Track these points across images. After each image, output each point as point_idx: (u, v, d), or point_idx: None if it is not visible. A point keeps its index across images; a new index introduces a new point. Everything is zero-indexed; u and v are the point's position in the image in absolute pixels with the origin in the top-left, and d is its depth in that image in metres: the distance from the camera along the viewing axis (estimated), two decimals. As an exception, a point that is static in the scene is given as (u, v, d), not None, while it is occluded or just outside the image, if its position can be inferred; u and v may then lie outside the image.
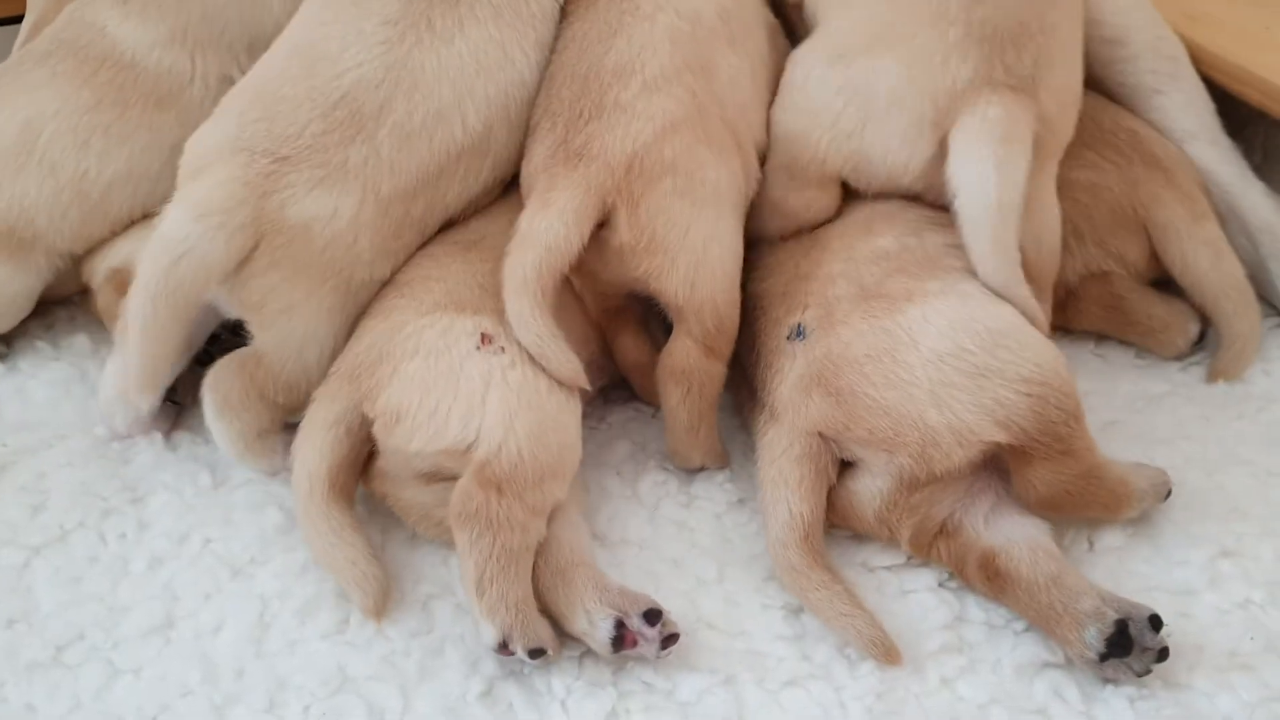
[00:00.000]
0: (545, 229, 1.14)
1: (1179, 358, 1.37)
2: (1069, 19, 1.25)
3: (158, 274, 1.15)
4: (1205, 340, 1.39)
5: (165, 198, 1.32)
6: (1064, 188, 1.32)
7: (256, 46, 1.37)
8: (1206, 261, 1.34)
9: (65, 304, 1.48)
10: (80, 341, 1.43)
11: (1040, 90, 1.19)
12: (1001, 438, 1.07)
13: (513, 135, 1.26)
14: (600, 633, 1.05)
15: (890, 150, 1.21)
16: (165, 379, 1.23)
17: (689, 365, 1.19)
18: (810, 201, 1.27)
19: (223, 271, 1.15)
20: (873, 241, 1.20)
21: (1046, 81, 1.19)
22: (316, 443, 1.13)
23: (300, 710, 1.05)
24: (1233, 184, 1.41)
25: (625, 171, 1.16)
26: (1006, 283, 1.13)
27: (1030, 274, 1.21)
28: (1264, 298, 1.43)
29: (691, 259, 1.16)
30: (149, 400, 1.23)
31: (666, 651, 1.06)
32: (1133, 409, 1.33)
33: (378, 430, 1.11)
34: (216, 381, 1.21)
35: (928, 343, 1.09)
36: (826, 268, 1.20)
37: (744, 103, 1.26)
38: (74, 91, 1.38)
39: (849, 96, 1.22)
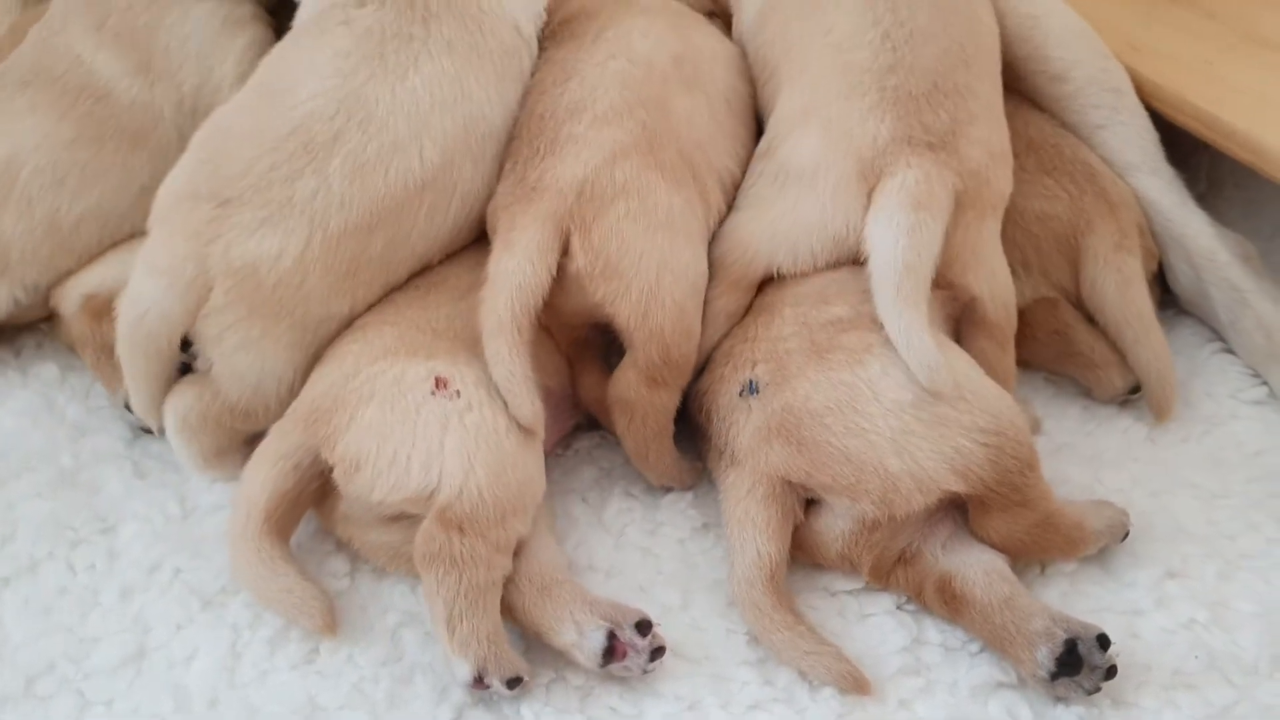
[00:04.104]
0: (513, 270, 1.16)
1: (1114, 399, 1.39)
2: (983, 80, 1.29)
3: (128, 328, 1.22)
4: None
5: (131, 234, 1.39)
6: (1019, 217, 1.36)
7: (203, 91, 1.40)
8: (1112, 287, 1.36)
9: (33, 331, 1.47)
10: (49, 370, 1.43)
11: (962, 143, 1.22)
12: (960, 487, 1.11)
13: (479, 170, 1.27)
14: (591, 643, 1.07)
15: (827, 212, 1.22)
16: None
17: (630, 396, 1.21)
18: (729, 306, 1.27)
19: (185, 321, 1.20)
20: (828, 310, 1.21)
21: (968, 134, 1.23)
22: (260, 475, 1.15)
23: (273, 740, 1.07)
24: (1174, 213, 1.45)
25: (576, 196, 1.19)
26: (909, 341, 1.13)
27: (988, 328, 1.25)
28: (1207, 323, 1.48)
29: (644, 285, 1.18)
30: (156, 420, 1.28)
31: (654, 664, 1.08)
32: (1083, 431, 1.37)
33: (338, 477, 1.13)
34: (177, 402, 1.25)
35: (889, 394, 1.13)
36: (777, 330, 1.22)
37: (701, 139, 1.29)
38: (54, 125, 1.39)
39: (774, 179, 1.26)
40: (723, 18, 1.46)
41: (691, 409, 1.28)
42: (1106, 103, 1.48)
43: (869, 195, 1.21)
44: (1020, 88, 1.47)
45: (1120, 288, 1.36)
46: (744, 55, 1.42)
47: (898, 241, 1.16)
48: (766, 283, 1.28)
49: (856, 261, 1.23)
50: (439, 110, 1.24)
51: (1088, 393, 1.41)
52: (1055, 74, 1.48)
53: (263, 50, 1.40)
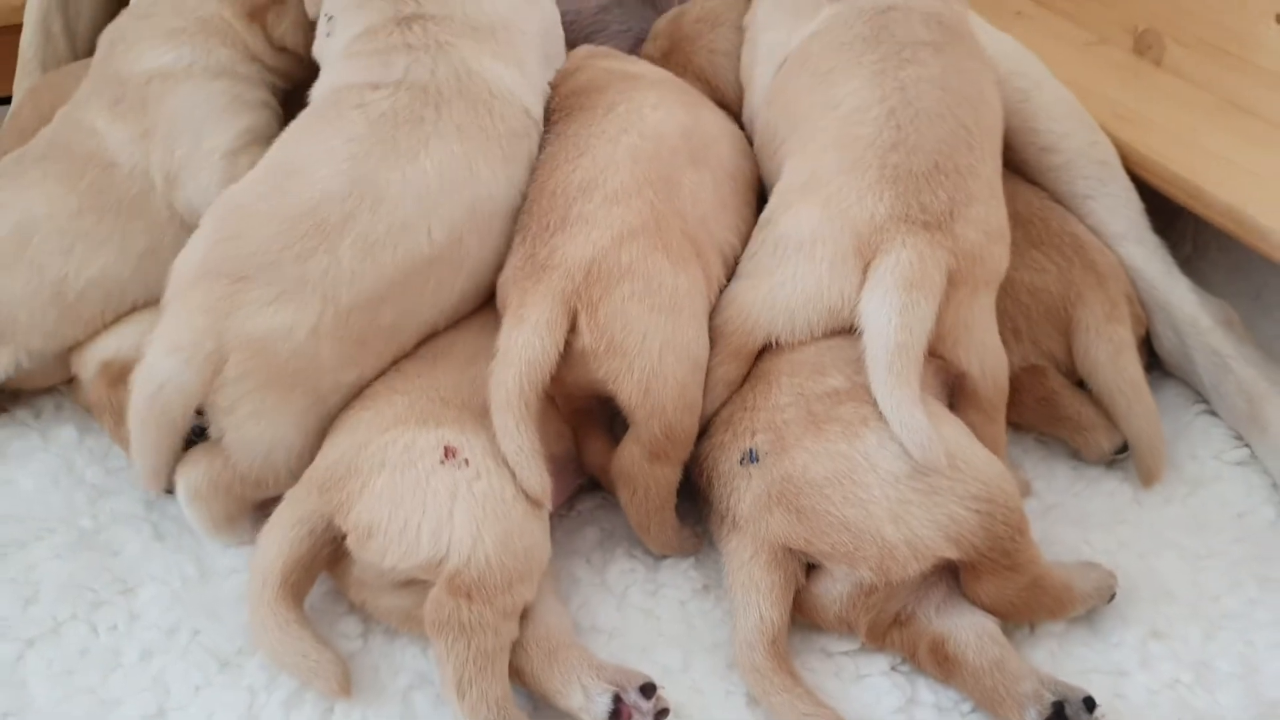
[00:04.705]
0: (523, 345, 1.21)
1: (1101, 460, 1.44)
2: (985, 161, 1.33)
3: (143, 402, 1.25)
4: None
5: (133, 303, 1.45)
6: (1010, 287, 1.40)
7: (191, 158, 1.45)
8: (1105, 356, 1.41)
9: (52, 393, 1.52)
10: (67, 432, 1.47)
11: (958, 224, 1.26)
12: (953, 553, 1.15)
13: (484, 245, 1.31)
14: (598, 707, 1.11)
15: (824, 283, 1.26)
16: (169, 474, 1.31)
17: (633, 470, 1.25)
18: (728, 375, 1.31)
19: (200, 394, 1.24)
20: (824, 382, 1.25)
21: (965, 214, 1.27)
22: (276, 541, 1.19)
23: (289, 800, 1.10)
24: (1159, 281, 1.51)
25: (584, 276, 1.23)
26: (901, 418, 1.17)
27: (977, 401, 1.29)
28: (1191, 385, 1.53)
29: (646, 364, 1.22)
30: (158, 489, 1.32)
31: None
32: (1071, 493, 1.41)
33: (351, 544, 1.17)
34: (187, 470, 1.29)
35: (885, 465, 1.17)
36: (774, 399, 1.26)
37: (705, 214, 1.34)
38: (62, 195, 1.43)
39: (775, 249, 1.30)
40: (720, 106, 1.51)
41: (693, 473, 1.32)
42: (1095, 174, 1.53)
43: (864, 270, 1.25)
44: (1011, 159, 1.51)
45: (1112, 357, 1.41)
46: (744, 136, 1.47)
47: (890, 320, 1.20)
48: (764, 350, 1.32)
49: (851, 331, 1.26)
50: (447, 191, 1.28)
51: (1077, 454, 1.45)
52: (1046, 146, 1.54)
53: (260, 138, 1.46)
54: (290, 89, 1.57)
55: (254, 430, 1.25)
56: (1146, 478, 1.40)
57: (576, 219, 1.27)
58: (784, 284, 1.29)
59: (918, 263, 1.23)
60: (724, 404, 1.31)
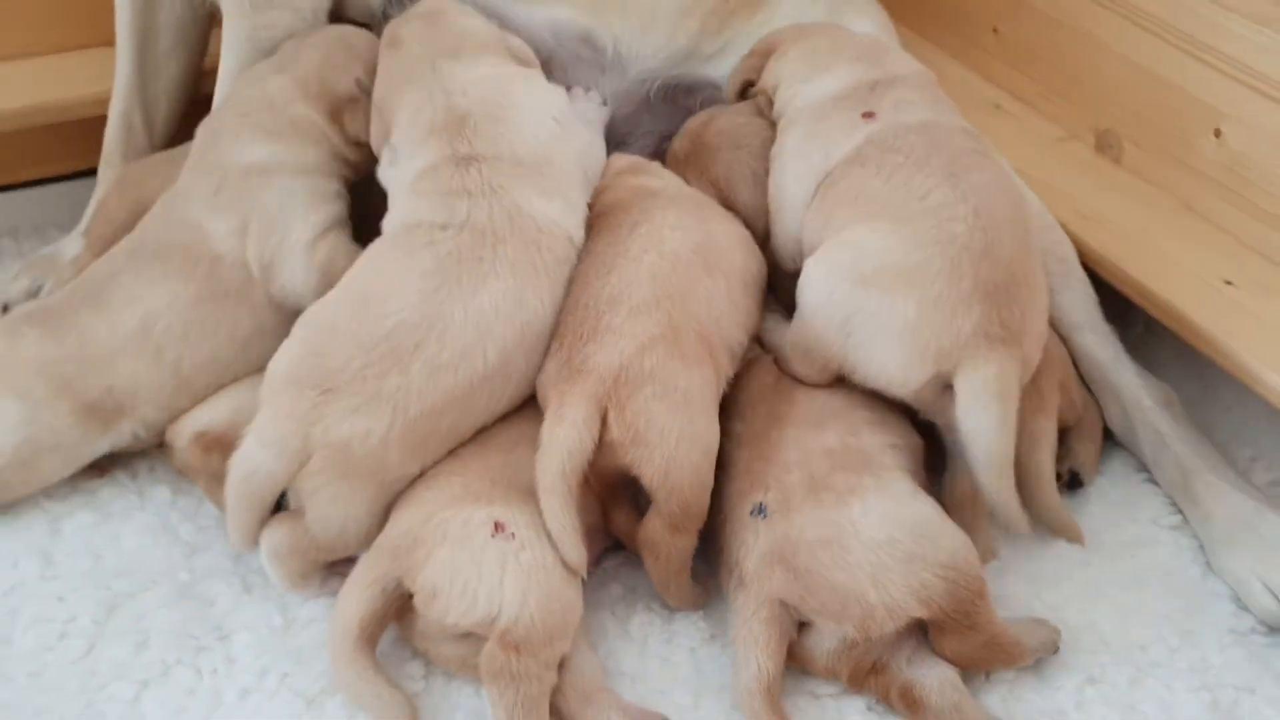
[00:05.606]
0: (564, 439, 1.43)
1: None
2: (1038, 269, 1.52)
3: (238, 481, 1.48)
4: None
5: (234, 377, 1.66)
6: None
7: (281, 250, 1.64)
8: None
9: (145, 456, 1.72)
10: (161, 492, 1.68)
11: (1025, 339, 1.46)
12: (923, 614, 1.37)
13: (529, 360, 1.53)
14: None
15: (892, 368, 1.47)
16: (257, 535, 1.52)
17: (656, 539, 1.47)
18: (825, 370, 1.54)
19: (286, 481, 1.46)
20: (822, 438, 1.47)
21: (1032, 330, 1.47)
22: (355, 598, 1.41)
23: (369, 825, 1.33)
24: (1110, 366, 1.73)
25: (613, 381, 1.45)
26: (1005, 503, 1.42)
27: None
28: (1136, 456, 1.75)
29: (665, 453, 1.44)
30: (249, 550, 1.54)
31: None
32: (1029, 555, 1.62)
33: (418, 602, 1.39)
34: (271, 534, 1.51)
35: (868, 532, 1.38)
36: (784, 454, 1.48)
37: (718, 316, 1.55)
38: (181, 287, 1.64)
39: (866, 318, 1.49)
40: (728, 207, 1.72)
41: (713, 513, 1.51)
42: (1058, 270, 1.74)
43: (936, 376, 1.46)
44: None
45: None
46: (752, 238, 1.67)
47: (995, 432, 1.42)
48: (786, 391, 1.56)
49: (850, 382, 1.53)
50: (501, 320, 1.50)
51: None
52: None
53: (334, 226, 1.68)
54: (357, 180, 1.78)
55: (331, 511, 1.48)
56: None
57: (605, 330, 1.49)
58: (861, 347, 1.50)
59: (1002, 377, 1.44)
60: (745, 448, 1.53)
